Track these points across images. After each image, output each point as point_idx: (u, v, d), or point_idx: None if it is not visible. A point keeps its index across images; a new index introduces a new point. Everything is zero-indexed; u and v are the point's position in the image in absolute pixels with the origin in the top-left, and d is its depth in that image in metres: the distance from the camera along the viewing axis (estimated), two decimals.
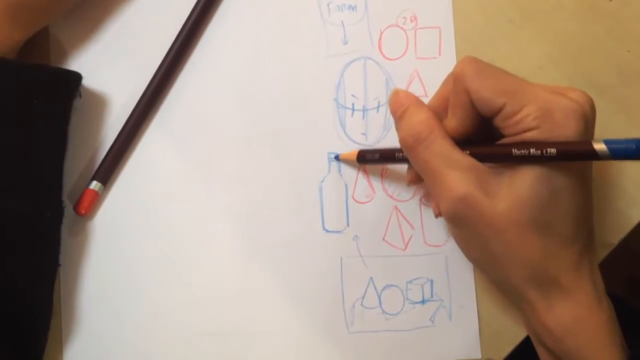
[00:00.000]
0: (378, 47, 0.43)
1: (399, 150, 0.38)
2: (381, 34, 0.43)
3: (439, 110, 0.37)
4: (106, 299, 0.42)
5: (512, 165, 0.33)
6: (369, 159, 0.41)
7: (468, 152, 0.34)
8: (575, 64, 0.44)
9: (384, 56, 0.43)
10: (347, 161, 0.43)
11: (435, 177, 0.34)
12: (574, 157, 0.32)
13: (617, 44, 0.44)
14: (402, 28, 0.44)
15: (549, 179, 0.32)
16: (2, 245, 0.37)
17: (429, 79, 0.43)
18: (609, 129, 0.43)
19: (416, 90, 0.43)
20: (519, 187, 0.33)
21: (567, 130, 0.32)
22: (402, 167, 0.43)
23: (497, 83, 0.33)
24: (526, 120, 0.32)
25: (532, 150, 0.32)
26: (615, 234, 0.43)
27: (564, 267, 0.34)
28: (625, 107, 0.43)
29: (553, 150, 0.31)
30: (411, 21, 0.44)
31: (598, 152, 0.30)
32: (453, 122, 0.35)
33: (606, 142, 0.30)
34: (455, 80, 0.34)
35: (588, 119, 0.32)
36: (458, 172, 0.33)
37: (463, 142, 0.35)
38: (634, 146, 0.29)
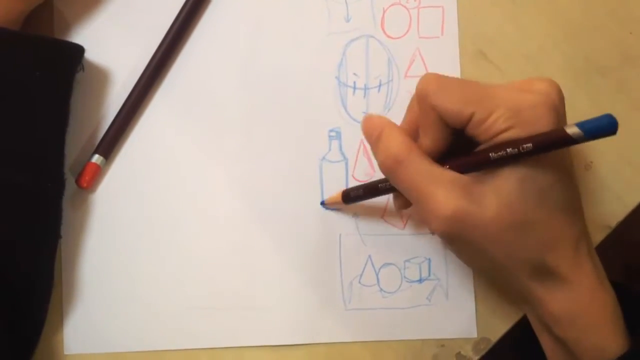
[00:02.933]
0: (381, 25, 0.43)
1: (382, 181, 0.38)
2: (384, 12, 0.43)
3: (411, 134, 0.37)
4: (107, 272, 0.42)
5: (494, 171, 0.33)
6: (353, 197, 0.40)
7: (447, 166, 0.34)
8: (577, 45, 0.44)
9: (386, 35, 0.43)
10: (334, 205, 0.43)
11: (421, 196, 0.34)
12: (550, 147, 0.31)
13: (619, 25, 0.44)
14: (405, 7, 0.44)
15: (531, 176, 0.32)
16: (2, 215, 0.38)
17: (431, 58, 0.43)
18: (610, 110, 0.43)
19: (418, 69, 0.43)
20: (504, 191, 0.33)
21: (539, 124, 0.32)
22: None
23: (461, 94, 0.33)
24: (497, 124, 0.32)
25: (509, 150, 0.31)
26: (612, 218, 0.43)
27: (563, 257, 0.34)
28: (626, 88, 0.43)
29: (529, 145, 0.31)
30: (414, 0, 0.43)
31: (572, 136, 0.30)
32: (426, 141, 0.35)
33: (578, 124, 0.30)
34: (419, 99, 0.34)
35: (557, 108, 0.33)
36: (443, 189, 0.33)
37: (440, 158, 0.35)
38: (606, 121, 0.29)
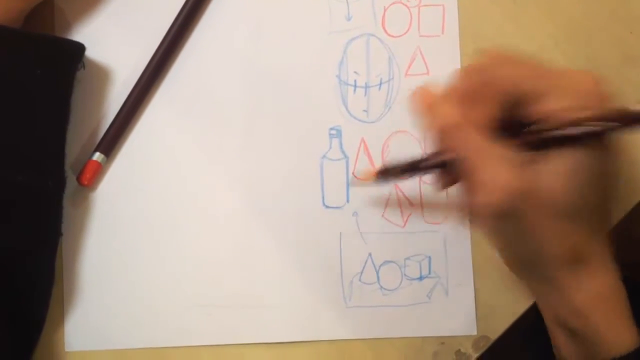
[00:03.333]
0: (381, 24, 0.43)
1: (424, 160, 0.36)
2: (385, 10, 0.43)
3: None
4: (107, 269, 0.42)
5: (549, 153, 0.32)
6: (390, 174, 0.38)
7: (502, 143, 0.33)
8: (578, 44, 0.44)
9: (387, 33, 0.43)
10: (362, 182, 0.40)
11: (482, 165, 0.32)
12: (620, 125, 0.31)
13: (620, 25, 0.44)
14: (405, 5, 0.44)
15: (589, 162, 0.32)
16: (3, 214, 0.38)
17: (431, 56, 0.43)
18: None
19: (419, 68, 0.43)
20: (563, 173, 0.32)
21: (597, 101, 0.32)
22: (406, 144, 0.43)
23: (523, 69, 0.33)
24: (560, 102, 0.32)
25: (576, 129, 0.31)
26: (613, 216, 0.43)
27: (598, 249, 0.34)
28: (627, 88, 0.43)
29: (613, 123, 0.31)
30: None
31: None
32: (479, 112, 0.34)
33: None
34: (480, 71, 0.34)
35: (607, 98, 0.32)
36: (504, 162, 0.32)
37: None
38: None
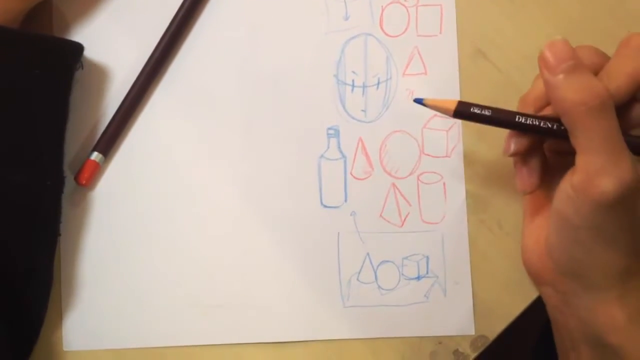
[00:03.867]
0: (379, 23, 0.43)
1: (522, 115, 0.34)
2: (382, 10, 0.44)
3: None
4: (106, 269, 0.42)
5: None
6: (476, 115, 0.35)
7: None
8: (576, 43, 0.43)
9: (385, 33, 0.43)
10: (434, 108, 0.36)
11: (615, 150, 0.31)
12: None
13: (618, 24, 0.44)
14: (403, 5, 0.44)
15: None
16: (1, 213, 0.38)
17: (429, 56, 0.43)
18: None
19: (416, 68, 0.43)
20: None
21: None
22: (403, 144, 0.43)
23: None
24: None
25: None
26: None
27: None
28: None
29: None
30: None
31: None
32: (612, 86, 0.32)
33: None
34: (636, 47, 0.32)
35: None
36: (630, 154, 0.31)
37: None
38: None
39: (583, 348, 0.36)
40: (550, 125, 0.34)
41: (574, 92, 0.31)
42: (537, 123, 0.34)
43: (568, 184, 0.32)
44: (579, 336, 0.36)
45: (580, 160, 0.32)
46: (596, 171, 0.31)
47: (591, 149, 0.31)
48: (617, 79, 0.33)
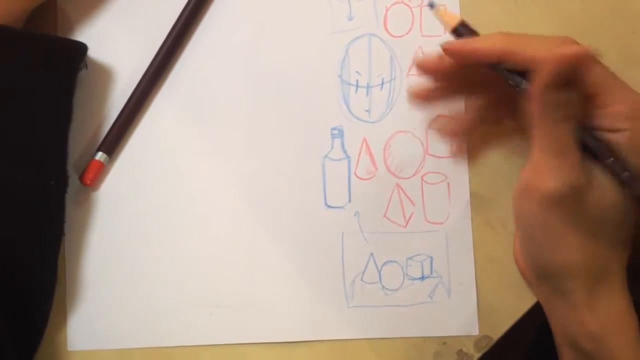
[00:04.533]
0: (383, 24, 0.44)
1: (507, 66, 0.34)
2: (387, 10, 0.44)
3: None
4: (110, 268, 0.42)
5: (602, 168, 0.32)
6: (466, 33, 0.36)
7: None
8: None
9: (389, 33, 0.44)
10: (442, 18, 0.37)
11: (564, 151, 0.32)
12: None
13: (622, 24, 0.44)
14: (407, 5, 0.44)
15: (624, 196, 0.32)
16: (6, 212, 0.38)
17: None
18: None
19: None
20: (608, 191, 0.32)
21: None
22: (407, 144, 0.43)
23: (600, 72, 0.33)
24: (617, 118, 0.32)
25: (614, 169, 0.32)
26: None
27: (620, 268, 0.33)
28: None
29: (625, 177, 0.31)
30: None
31: None
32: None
33: None
34: (565, 59, 0.32)
35: None
36: (578, 154, 0.32)
37: None
38: None
39: (564, 349, 0.36)
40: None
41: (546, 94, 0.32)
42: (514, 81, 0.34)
43: (517, 186, 0.34)
44: (560, 338, 0.36)
45: (531, 157, 0.33)
46: (543, 169, 0.32)
47: (542, 148, 0.32)
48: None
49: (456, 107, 0.40)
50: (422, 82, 0.37)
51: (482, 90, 0.38)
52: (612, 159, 0.31)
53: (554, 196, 0.32)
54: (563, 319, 0.35)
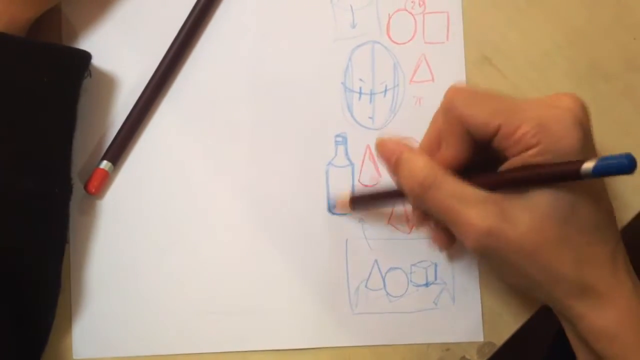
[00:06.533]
0: (386, 31, 0.44)
1: (392, 191, 0.38)
2: (389, 18, 0.44)
3: (432, 148, 0.37)
4: (115, 277, 0.42)
5: (522, 189, 0.33)
6: (363, 204, 0.41)
7: (472, 182, 0.34)
8: (582, 50, 0.44)
9: (392, 40, 0.44)
10: (342, 210, 0.43)
11: (453, 218, 0.34)
12: (563, 179, 0.32)
13: (624, 31, 0.44)
14: (410, 12, 0.44)
15: (559, 195, 0.33)
16: (10, 220, 0.38)
17: (436, 63, 0.43)
18: (615, 116, 0.43)
19: (423, 75, 0.44)
20: (536, 208, 0.33)
21: (566, 140, 0.32)
22: None
23: (489, 106, 0.34)
24: (525, 139, 0.32)
25: (531, 173, 0.32)
26: (618, 222, 0.43)
27: (600, 275, 0.34)
28: (630, 94, 0.44)
29: (543, 173, 0.32)
30: (420, 5, 0.44)
31: (582, 173, 0.30)
32: (450, 151, 0.35)
33: (596, 162, 0.30)
34: (446, 110, 0.35)
35: (582, 123, 0.33)
36: (475, 208, 0.33)
37: (462, 172, 0.35)
38: (626, 161, 0.29)
39: (579, 350, 0.36)
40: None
41: (405, 182, 0.36)
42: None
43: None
44: (573, 340, 0.37)
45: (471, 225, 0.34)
46: (458, 235, 0.35)
47: (442, 220, 0.35)
48: (448, 145, 0.36)
49: None
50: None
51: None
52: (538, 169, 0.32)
53: (478, 253, 0.34)
54: (575, 326, 0.35)
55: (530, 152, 0.32)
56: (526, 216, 0.33)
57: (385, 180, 0.43)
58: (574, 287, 0.34)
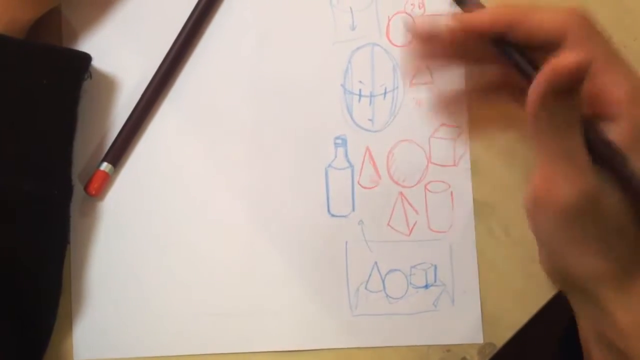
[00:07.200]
0: (386, 33, 0.44)
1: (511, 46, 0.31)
2: (389, 20, 0.44)
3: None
4: (115, 278, 0.42)
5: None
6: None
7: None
8: None
9: (391, 43, 0.44)
10: None
11: (571, 155, 0.30)
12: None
13: (623, 32, 0.44)
14: (410, 15, 0.44)
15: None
16: (10, 222, 0.38)
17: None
18: None
19: (422, 77, 0.44)
20: (616, 193, 0.30)
21: None
22: (411, 153, 0.43)
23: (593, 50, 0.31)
24: (612, 105, 0.30)
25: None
26: None
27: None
28: None
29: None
30: (419, 8, 0.44)
31: None
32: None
33: None
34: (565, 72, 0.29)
35: None
36: (587, 158, 0.30)
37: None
38: None
39: (594, 347, 0.35)
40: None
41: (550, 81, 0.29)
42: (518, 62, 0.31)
43: (529, 198, 0.32)
44: (590, 336, 0.35)
45: (538, 164, 0.31)
46: (552, 178, 0.30)
47: (547, 154, 0.30)
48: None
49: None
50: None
51: (481, 67, 0.35)
52: (615, 155, 0.29)
53: (570, 208, 0.30)
54: (594, 320, 0.34)
55: (613, 125, 0.29)
56: (610, 198, 0.30)
57: (384, 181, 0.43)
58: (621, 268, 0.32)
